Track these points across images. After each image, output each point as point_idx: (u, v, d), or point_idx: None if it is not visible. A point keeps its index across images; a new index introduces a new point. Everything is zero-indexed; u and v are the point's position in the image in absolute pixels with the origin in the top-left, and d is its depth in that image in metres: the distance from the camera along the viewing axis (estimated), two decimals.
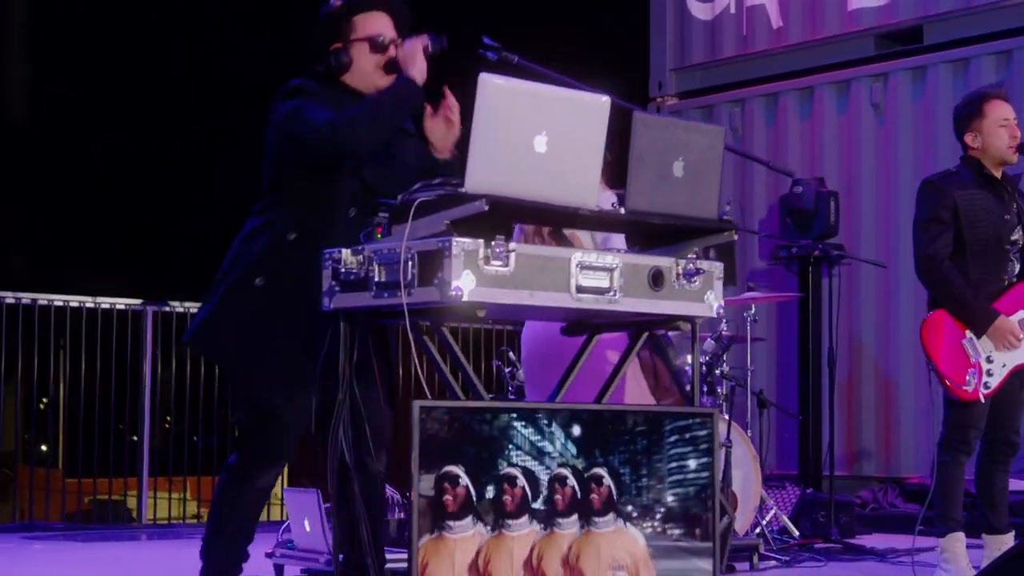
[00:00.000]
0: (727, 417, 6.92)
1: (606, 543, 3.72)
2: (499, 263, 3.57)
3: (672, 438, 3.89)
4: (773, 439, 8.93)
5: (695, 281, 3.92)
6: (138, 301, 9.18)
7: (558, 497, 3.68)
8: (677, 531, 3.86)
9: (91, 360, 9.03)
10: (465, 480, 3.55)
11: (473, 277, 3.53)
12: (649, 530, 3.82)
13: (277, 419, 4.13)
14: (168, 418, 11.23)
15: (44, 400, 10.07)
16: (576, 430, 3.73)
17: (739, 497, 6.84)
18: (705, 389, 7.45)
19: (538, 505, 3.66)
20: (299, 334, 4.09)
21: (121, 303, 9.17)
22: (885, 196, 9.65)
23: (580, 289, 3.70)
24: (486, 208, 3.52)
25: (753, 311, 7.58)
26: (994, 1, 9.30)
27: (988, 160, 5.62)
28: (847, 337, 9.46)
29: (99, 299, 9.09)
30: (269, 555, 5.72)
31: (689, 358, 6.48)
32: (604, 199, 4.90)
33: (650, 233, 3.97)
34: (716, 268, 3.97)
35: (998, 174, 5.65)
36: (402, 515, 5.71)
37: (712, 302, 3.97)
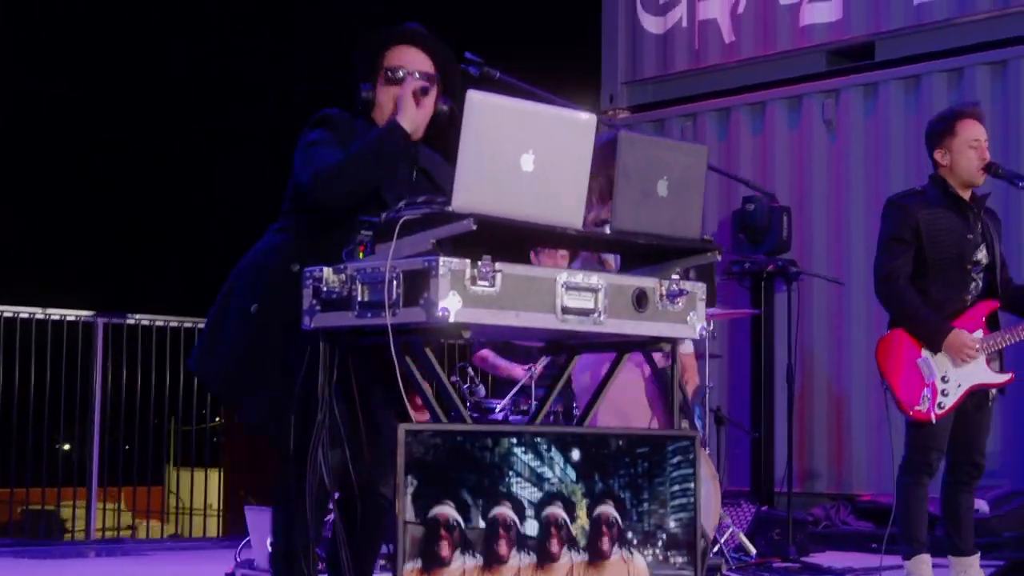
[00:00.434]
0: None
1: (609, 574, 3.65)
2: (485, 283, 3.50)
3: (675, 459, 3.84)
4: (725, 456, 8.93)
5: (678, 302, 3.87)
6: (90, 312, 9.06)
7: (553, 528, 3.61)
8: (680, 559, 3.80)
9: (40, 370, 8.93)
10: (457, 517, 3.46)
11: (459, 297, 3.46)
12: (650, 557, 3.76)
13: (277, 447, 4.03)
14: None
15: None
16: (575, 454, 3.67)
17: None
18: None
19: (532, 535, 3.58)
20: (291, 363, 3.99)
21: (72, 314, 9.05)
22: (836, 212, 9.67)
23: (565, 310, 3.64)
24: (474, 227, 3.45)
25: (712, 327, 7.54)
26: (945, 19, 9.35)
27: (955, 179, 5.62)
28: (799, 353, 9.46)
29: (50, 310, 8.98)
30: (229, 575, 5.62)
31: None
32: None
33: (633, 253, 3.91)
34: (699, 289, 3.93)
35: (965, 194, 5.64)
36: None
37: (695, 323, 3.92)
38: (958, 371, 5.47)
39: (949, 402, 5.46)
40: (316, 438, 3.77)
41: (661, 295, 3.84)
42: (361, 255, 3.69)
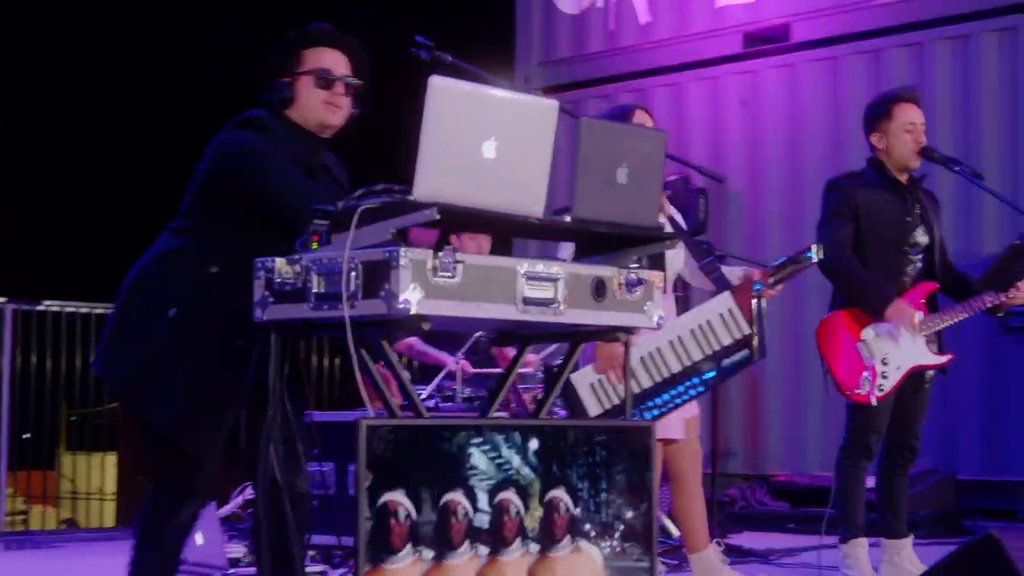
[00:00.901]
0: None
1: (563, 567, 3.59)
2: (447, 274, 3.41)
3: (631, 450, 3.78)
4: None
5: (636, 291, 3.81)
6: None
7: (506, 516, 3.54)
8: (637, 550, 3.75)
9: None
10: (408, 505, 3.38)
11: (421, 289, 3.37)
12: (608, 549, 3.70)
13: (194, 457, 3.95)
14: None
15: None
16: (533, 445, 3.59)
17: None
18: None
19: (485, 524, 3.51)
20: (215, 368, 3.92)
21: None
22: (752, 193, 9.68)
23: (526, 301, 3.56)
24: (437, 217, 3.35)
25: None
26: (861, 1, 9.37)
27: (891, 163, 5.62)
28: None
29: None
30: None
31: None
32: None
33: (591, 241, 3.84)
34: (656, 278, 3.87)
35: (902, 177, 5.65)
36: None
37: (652, 313, 3.86)
38: (898, 353, 5.48)
39: (889, 384, 5.46)
40: (267, 434, 3.66)
41: (619, 284, 3.77)
42: (315, 245, 3.58)
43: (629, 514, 3.77)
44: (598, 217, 3.68)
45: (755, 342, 4.94)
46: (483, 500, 3.51)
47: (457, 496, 3.48)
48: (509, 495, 3.56)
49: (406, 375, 7.18)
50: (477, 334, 6.72)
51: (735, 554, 7.30)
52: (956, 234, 8.36)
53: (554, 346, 7.62)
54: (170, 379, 3.93)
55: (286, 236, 3.74)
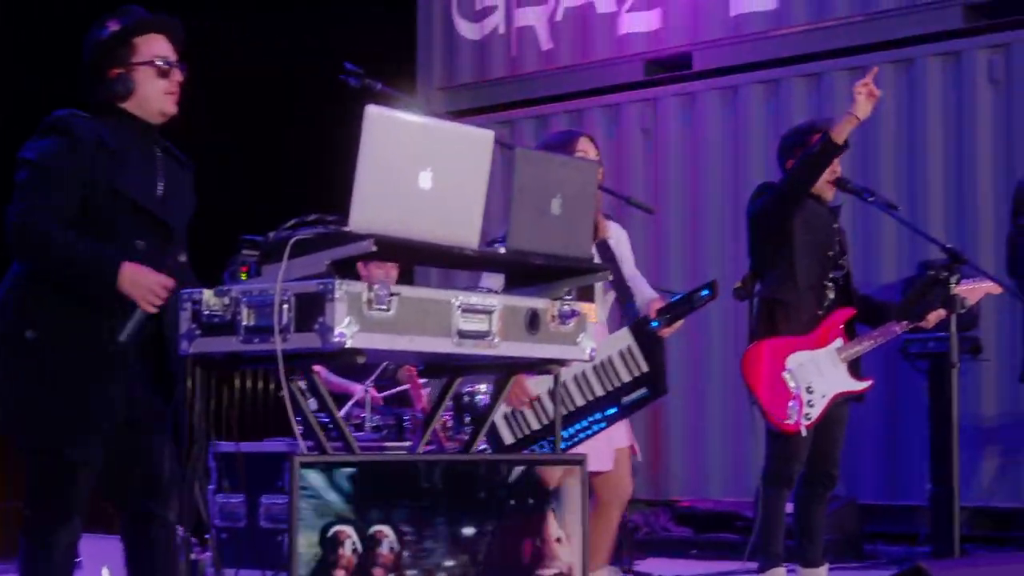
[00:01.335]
0: None
1: None
2: (382, 307, 3.35)
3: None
4: None
5: (569, 323, 3.78)
6: None
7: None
8: None
9: None
10: (353, 539, 3.31)
11: (356, 322, 3.30)
12: None
13: (71, 471, 3.84)
14: None
15: None
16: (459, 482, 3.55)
17: None
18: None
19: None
20: (83, 384, 3.83)
21: None
22: (654, 220, 9.67)
23: (461, 334, 3.51)
24: (374, 248, 3.30)
25: None
26: (762, 31, 9.45)
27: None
28: None
29: None
30: None
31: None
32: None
33: (523, 272, 3.80)
34: (590, 309, 3.84)
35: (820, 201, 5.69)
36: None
37: (585, 345, 3.83)
38: (822, 381, 5.50)
39: (815, 412, 5.49)
40: (192, 470, 3.57)
41: (553, 316, 3.74)
42: (244, 276, 3.50)
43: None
44: (533, 248, 3.65)
45: (654, 380, 4.94)
46: (410, 535, 3.46)
47: (385, 529, 3.43)
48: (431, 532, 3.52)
49: (312, 403, 7.12)
50: (386, 363, 6.65)
51: None
52: (867, 262, 8.48)
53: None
54: (41, 398, 3.82)
55: (138, 227, 3.82)
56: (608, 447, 5.01)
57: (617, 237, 5.19)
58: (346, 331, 3.28)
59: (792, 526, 5.66)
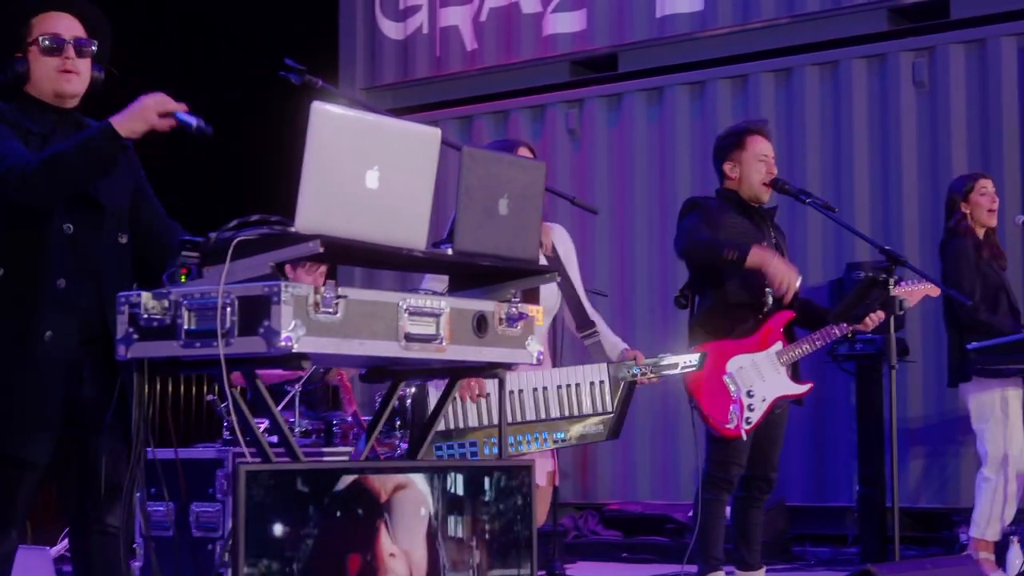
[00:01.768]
0: None
1: None
2: (329, 310, 3.24)
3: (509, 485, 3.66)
4: None
5: (517, 326, 3.69)
6: None
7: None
8: None
9: None
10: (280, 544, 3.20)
11: (303, 326, 3.20)
12: None
13: (17, 469, 3.71)
14: None
15: None
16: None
17: None
18: None
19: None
20: (28, 379, 3.71)
21: None
22: (580, 221, 9.64)
23: (408, 337, 3.42)
24: (321, 250, 3.19)
25: None
26: (688, 32, 9.45)
27: (744, 192, 5.61)
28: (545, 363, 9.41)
29: None
30: None
31: None
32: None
33: (471, 274, 3.71)
34: (537, 312, 3.75)
35: (754, 206, 5.65)
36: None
37: (532, 349, 3.74)
38: (762, 385, 5.46)
39: (756, 416, 5.45)
40: (131, 479, 3.45)
41: (500, 319, 3.65)
42: (183, 279, 3.38)
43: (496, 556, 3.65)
44: (480, 249, 3.56)
45: (615, 424, 4.93)
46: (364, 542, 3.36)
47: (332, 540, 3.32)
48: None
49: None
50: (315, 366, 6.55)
51: None
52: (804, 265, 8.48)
53: None
54: None
55: (67, 210, 3.69)
56: (543, 465, 4.95)
57: (565, 245, 5.12)
58: (293, 335, 3.17)
59: (730, 529, 5.63)
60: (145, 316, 3.34)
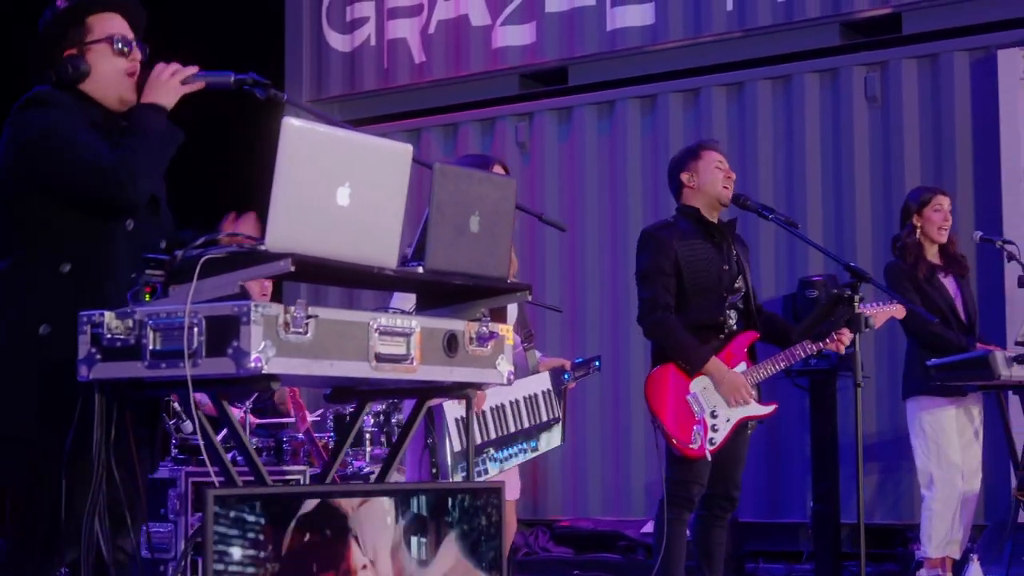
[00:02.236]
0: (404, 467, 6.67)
1: None
2: (299, 330, 3.15)
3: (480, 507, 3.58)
4: None
5: (487, 345, 3.62)
6: None
7: None
8: None
9: None
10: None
11: (273, 346, 3.11)
12: None
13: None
14: None
15: None
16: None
17: None
18: (383, 440, 7.17)
19: None
20: None
21: None
22: (530, 235, 9.58)
23: (379, 357, 3.33)
24: (292, 269, 3.11)
25: None
26: (639, 46, 9.40)
27: (703, 201, 5.57)
28: None
29: None
30: None
31: None
32: None
33: (441, 292, 3.63)
34: (508, 331, 3.68)
35: (714, 218, 5.61)
36: None
37: (503, 368, 3.67)
38: (726, 406, 5.42)
39: (720, 437, 5.40)
40: (92, 504, 3.33)
41: (470, 338, 3.58)
42: (148, 298, 3.28)
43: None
44: (451, 267, 3.49)
45: (562, 428, 5.20)
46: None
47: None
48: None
49: (188, 426, 6.86)
50: None
51: None
52: (770, 279, 8.50)
53: None
54: (60, 410, 3.49)
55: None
56: (516, 477, 4.99)
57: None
58: (263, 356, 3.08)
59: (691, 547, 5.58)
60: (108, 336, 3.25)
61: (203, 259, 3.16)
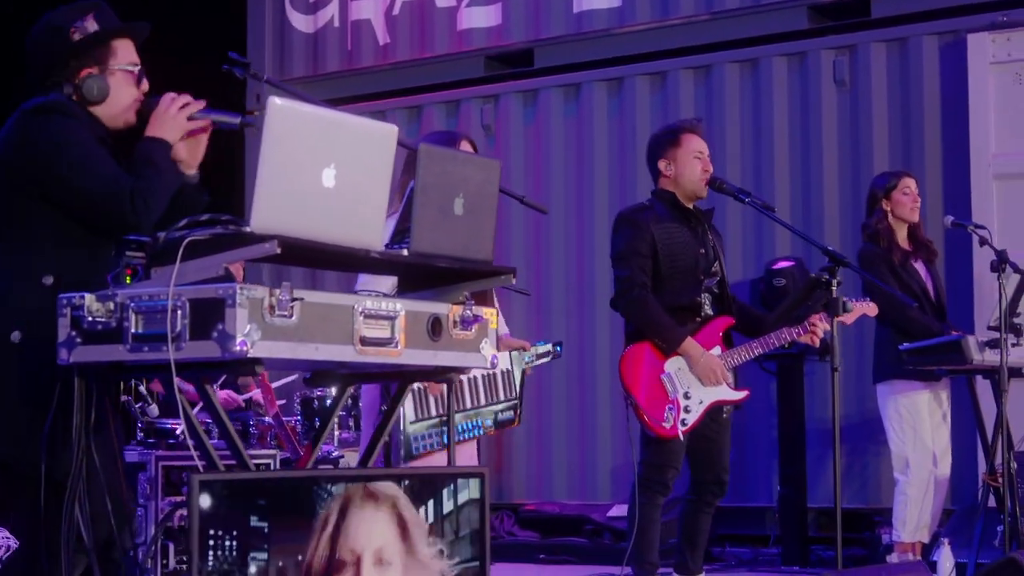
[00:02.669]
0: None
1: None
2: (284, 313, 3.10)
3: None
4: None
5: (471, 329, 3.58)
6: None
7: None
8: None
9: None
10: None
11: (259, 329, 3.05)
12: None
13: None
14: None
15: None
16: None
17: None
18: (351, 424, 7.13)
19: None
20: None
21: None
22: (498, 218, 9.51)
23: (364, 341, 3.29)
24: (278, 251, 3.05)
25: None
26: (605, 28, 9.37)
27: (680, 191, 5.54)
28: None
29: None
30: None
31: None
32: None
33: (425, 275, 3.59)
34: (492, 315, 3.64)
35: (689, 205, 5.58)
36: None
37: (487, 352, 3.63)
38: (700, 388, 5.40)
39: (692, 419, 5.39)
40: (72, 490, 3.28)
41: (454, 322, 3.53)
42: (129, 280, 3.22)
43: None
44: (436, 250, 3.45)
45: (518, 408, 5.19)
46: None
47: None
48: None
49: (154, 410, 6.79)
50: None
51: None
52: (745, 265, 8.49)
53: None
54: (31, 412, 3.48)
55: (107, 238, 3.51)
56: (472, 452, 5.07)
57: None
58: (248, 339, 3.03)
59: (667, 527, 5.57)
60: (89, 319, 3.19)
61: (186, 240, 3.11)
